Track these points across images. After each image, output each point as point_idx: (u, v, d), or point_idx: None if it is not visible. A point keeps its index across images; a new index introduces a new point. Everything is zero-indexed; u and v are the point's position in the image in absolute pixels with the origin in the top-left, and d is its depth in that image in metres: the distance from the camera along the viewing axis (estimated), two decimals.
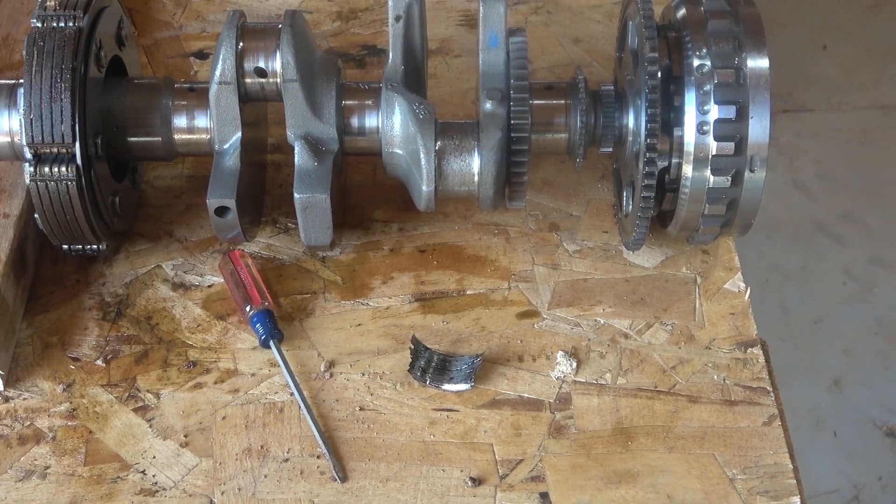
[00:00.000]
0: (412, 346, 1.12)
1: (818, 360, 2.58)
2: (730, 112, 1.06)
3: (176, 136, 1.17)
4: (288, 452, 1.07)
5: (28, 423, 1.09)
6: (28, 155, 1.08)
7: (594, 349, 1.14)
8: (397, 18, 1.14)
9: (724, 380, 1.12)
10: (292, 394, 1.10)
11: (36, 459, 1.06)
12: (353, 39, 1.45)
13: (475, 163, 1.11)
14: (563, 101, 1.16)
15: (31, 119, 1.07)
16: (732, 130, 1.06)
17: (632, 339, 1.15)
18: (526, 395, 1.11)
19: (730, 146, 1.06)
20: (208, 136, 1.16)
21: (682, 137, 1.07)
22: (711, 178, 1.07)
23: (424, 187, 1.11)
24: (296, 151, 1.12)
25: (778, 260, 2.73)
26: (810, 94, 3.10)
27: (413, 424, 1.09)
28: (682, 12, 1.12)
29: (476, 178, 1.11)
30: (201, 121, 1.16)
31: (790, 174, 2.91)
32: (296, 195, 1.11)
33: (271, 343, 1.12)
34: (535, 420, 1.09)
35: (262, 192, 1.27)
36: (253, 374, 1.12)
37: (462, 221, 1.25)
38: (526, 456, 1.06)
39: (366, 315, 1.17)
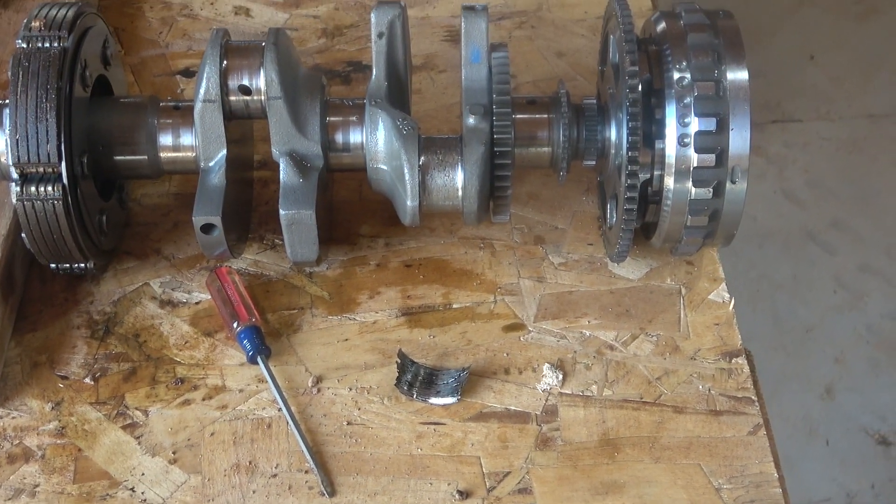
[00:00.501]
0: (399, 361, 1.13)
1: (809, 369, 2.59)
2: (710, 124, 1.07)
3: (162, 155, 1.17)
4: (276, 468, 1.07)
5: (17, 441, 1.09)
6: (14, 175, 1.09)
7: (580, 361, 1.15)
8: (380, 35, 1.15)
9: (710, 390, 1.12)
10: (280, 409, 1.10)
11: (25, 478, 1.07)
12: (339, 56, 1.46)
13: (459, 177, 1.12)
14: (545, 115, 1.17)
15: (17, 139, 1.08)
16: (713, 142, 1.07)
17: (617, 350, 1.16)
18: (512, 408, 1.11)
19: (711, 158, 1.07)
20: (194, 154, 1.16)
21: (663, 150, 1.08)
22: (693, 189, 1.08)
23: (409, 202, 1.12)
24: (281, 168, 1.13)
25: (768, 269, 2.74)
26: (799, 104, 3.12)
27: (400, 438, 1.09)
28: (661, 26, 1.13)
29: (460, 193, 1.12)
30: (187, 139, 1.16)
31: (780, 184, 2.92)
32: (281, 211, 1.12)
33: (259, 359, 1.13)
34: (522, 432, 1.10)
35: (249, 208, 1.28)
36: (241, 390, 1.13)
37: (448, 236, 1.26)
38: (513, 468, 1.07)
39: (353, 330, 1.18)
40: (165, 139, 1.17)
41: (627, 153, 1.07)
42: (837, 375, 2.58)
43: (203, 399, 1.12)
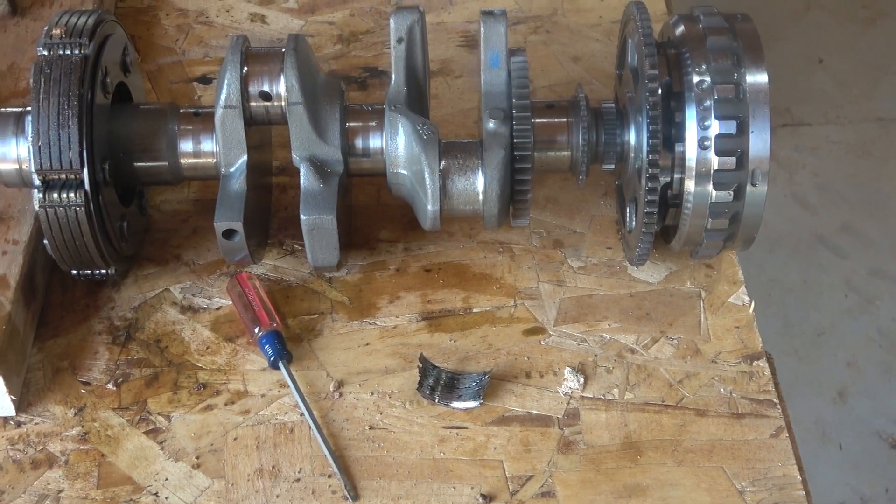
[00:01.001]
0: (420, 365, 1.13)
1: (821, 373, 2.59)
2: (730, 127, 1.07)
3: (182, 161, 1.18)
4: (299, 472, 1.07)
5: (40, 447, 1.10)
6: (37, 181, 1.10)
7: (601, 364, 1.15)
8: (399, 41, 1.15)
9: (731, 393, 1.12)
10: (302, 414, 1.11)
11: (49, 484, 1.07)
12: (355, 62, 1.46)
13: (479, 182, 1.12)
14: (564, 119, 1.17)
15: (40, 146, 1.08)
16: (733, 145, 1.07)
17: (638, 353, 1.16)
18: (534, 412, 1.12)
19: (731, 161, 1.07)
20: (214, 160, 1.17)
21: (683, 153, 1.08)
22: (714, 192, 1.08)
23: (429, 207, 1.12)
24: (301, 173, 1.14)
25: (779, 274, 2.74)
26: (808, 108, 3.12)
27: (423, 442, 1.09)
28: (680, 29, 1.13)
29: (480, 197, 1.12)
30: (207, 145, 1.17)
31: (790, 188, 2.92)
32: (302, 217, 1.12)
33: (280, 364, 1.13)
34: (544, 436, 1.10)
35: (268, 214, 1.28)
36: (263, 395, 1.13)
37: (467, 240, 1.26)
38: (536, 472, 1.07)
39: (373, 334, 1.18)
40: (186, 145, 1.17)
41: (647, 156, 1.07)
42: (850, 379, 2.58)
43: (225, 404, 1.13)
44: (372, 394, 1.13)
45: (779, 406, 1.12)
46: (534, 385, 1.14)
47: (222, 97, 1.12)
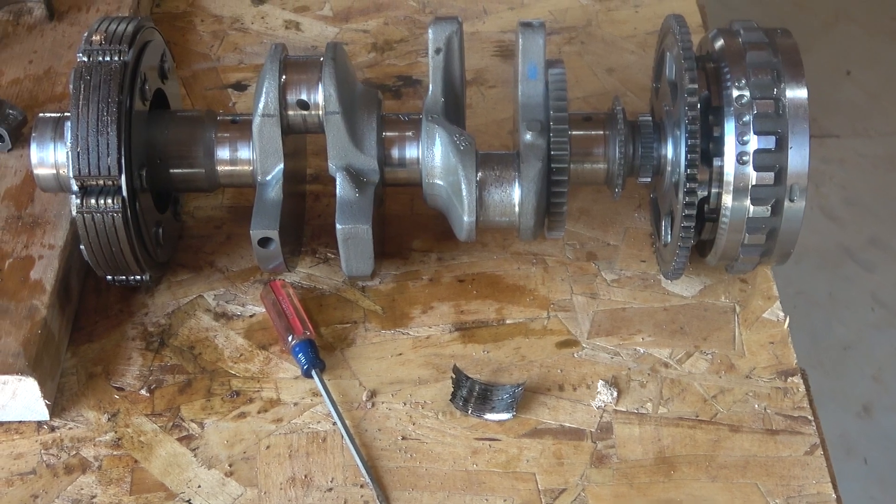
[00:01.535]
0: (454, 376, 1.13)
1: (847, 387, 2.58)
2: (769, 142, 1.06)
3: (219, 168, 1.18)
4: (332, 482, 1.07)
5: (74, 452, 1.10)
6: (74, 187, 1.10)
7: (634, 378, 1.14)
8: (437, 51, 1.15)
9: (766, 409, 1.12)
10: (335, 423, 1.11)
11: (82, 489, 1.07)
12: (389, 70, 1.46)
13: (516, 193, 1.12)
14: (601, 132, 1.17)
15: (79, 152, 1.09)
16: (772, 160, 1.07)
17: (672, 368, 1.15)
18: (567, 425, 1.11)
19: (769, 176, 1.07)
20: (251, 168, 1.17)
21: (721, 167, 1.08)
22: (751, 207, 1.08)
23: (466, 218, 1.12)
24: (337, 183, 1.14)
25: (806, 286, 2.73)
26: (835, 120, 3.11)
27: (456, 454, 1.09)
28: (719, 43, 1.13)
29: (517, 209, 1.12)
30: (244, 152, 1.17)
31: (817, 200, 2.91)
32: (338, 226, 1.12)
33: (313, 373, 1.13)
34: (577, 449, 1.09)
35: (302, 222, 1.28)
36: (296, 404, 1.13)
37: (500, 251, 1.26)
38: (569, 485, 1.07)
39: (406, 344, 1.18)
40: (223, 153, 1.18)
41: (686, 170, 1.07)
42: (875, 393, 2.57)
43: (258, 412, 1.13)
44: (404, 404, 1.13)
45: (813, 423, 1.11)
46: (567, 398, 1.13)
47: (260, 105, 1.13)
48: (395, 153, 1.16)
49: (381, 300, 1.22)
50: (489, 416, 1.11)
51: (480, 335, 1.19)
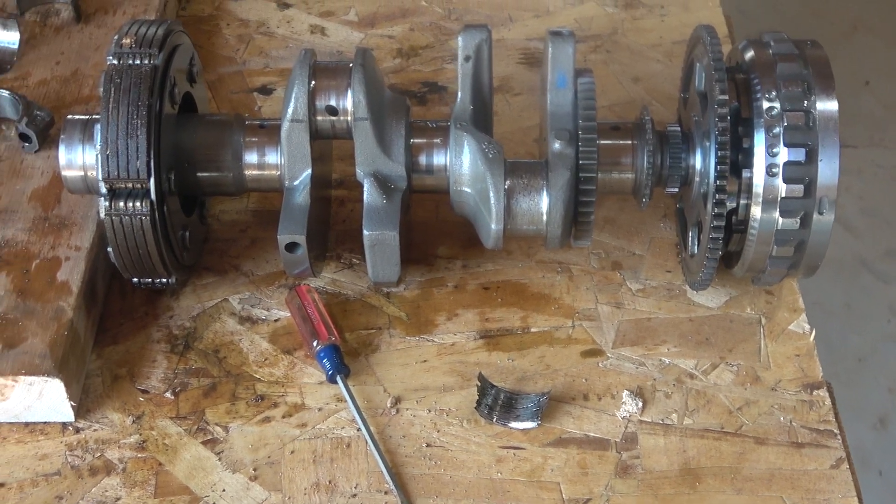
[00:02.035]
0: (479, 384, 1.13)
1: (862, 398, 2.57)
2: (799, 155, 1.06)
3: (246, 172, 1.18)
4: (356, 488, 1.07)
5: (98, 454, 1.10)
6: (103, 190, 1.10)
7: (660, 389, 1.14)
8: (467, 59, 1.15)
9: (791, 422, 1.12)
10: (359, 429, 1.11)
11: (107, 491, 1.07)
12: (414, 76, 1.46)
13: (544, 202, 1.12)
14: (629, 142, 1.17)
15: (108, 155, 1.09)
16: (802, 173, 1.06)
17: (697, 379, 1.15)
18: (592, 434, 1.11)
19: (799, 188, 1.07)
20: (278, 173, 1.17)
21: (750, 179, 1.08)
22: (780, 220, 1.08)
23: (493, 226, 1.12)
24: (365, 189, 1.14)
25: (821, 297, 2.72)
26: (853, 130, 3.10)
27: (480, 462, 1.09)
28: (750, 54, 1.13)
29: (544, 218, 1.12)
30: (272, 157, 1.17)
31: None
32: (365, 232, 1.12)
33: (338, 378, 1.13)
34: (602, 459, 1.09)
35: (328, 227, 1.28)
36: (320, 409, 1.13)
37: (525, 259, 1.26)
38: (593, 495, 1.07)
39: (431, 351, 1.18)
40: (251, 157, 1.18)
41: (715, 182, 1.07)
42: (891, 405, 2.56)
43: (283, 417, 1.13)
44: (429, 411, 1.13)
45: (839, 437, 1.11)
46: (591, 407, 1.13)
47: (289, 111, 1.13)
48: (422, 160, 1.16)
49: (405, 306, 1.22)
50: (514, 424, 1.11)
51: (505, 343, 1.18)
